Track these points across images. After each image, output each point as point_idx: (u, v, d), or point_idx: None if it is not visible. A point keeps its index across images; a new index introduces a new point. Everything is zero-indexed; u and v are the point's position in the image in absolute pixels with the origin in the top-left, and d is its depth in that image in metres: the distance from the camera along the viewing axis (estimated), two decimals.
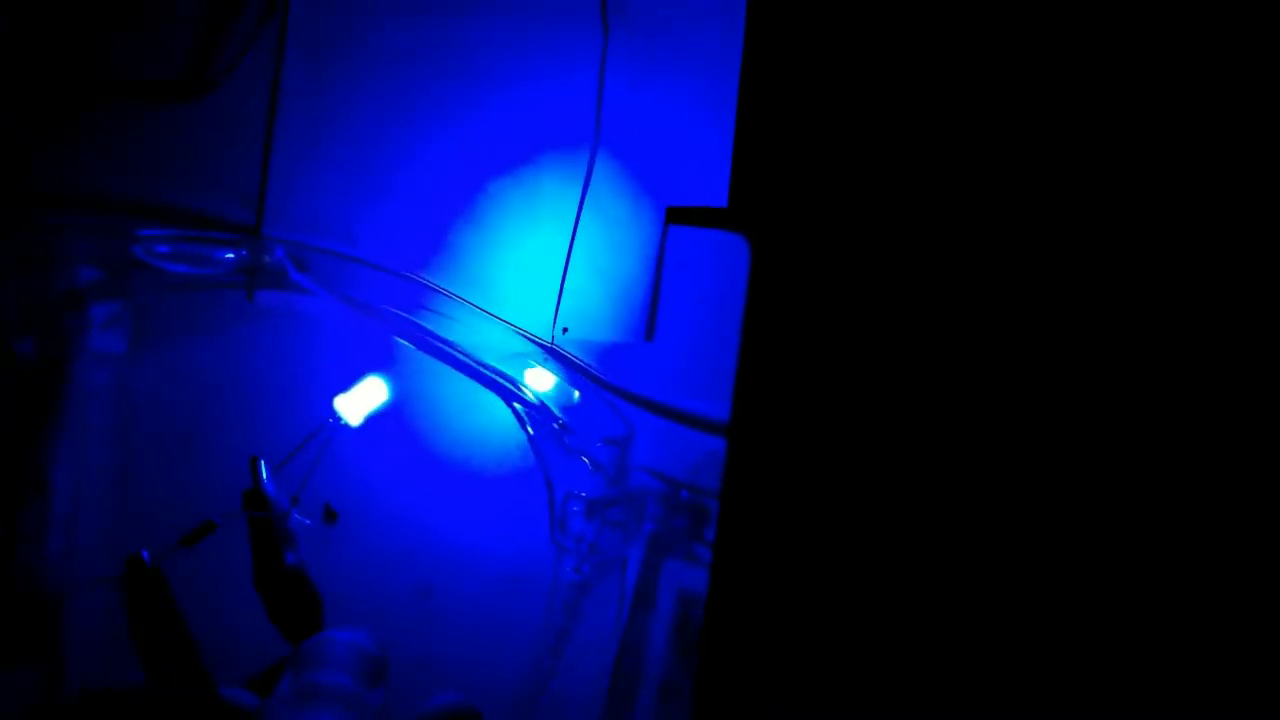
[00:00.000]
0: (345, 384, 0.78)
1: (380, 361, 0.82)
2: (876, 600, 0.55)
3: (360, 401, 0.79)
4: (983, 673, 0.53)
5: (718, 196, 0.70)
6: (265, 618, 0.59)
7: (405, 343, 0.84)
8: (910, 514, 0.55)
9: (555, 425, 0.85)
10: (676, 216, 0.65)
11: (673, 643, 0.79)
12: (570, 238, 0.85)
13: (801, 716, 0.56)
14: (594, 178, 0.84)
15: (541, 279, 0.86)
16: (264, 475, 0.61)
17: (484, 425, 0.87)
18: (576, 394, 0.86)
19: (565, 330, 0.87)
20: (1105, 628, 0.52)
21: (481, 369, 0.85)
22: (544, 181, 0.85)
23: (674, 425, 0.81)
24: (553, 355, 0.86)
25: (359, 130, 0.82)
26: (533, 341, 0.85)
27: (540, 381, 0.86)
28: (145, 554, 0.56)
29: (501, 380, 0.85)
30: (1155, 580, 0.51)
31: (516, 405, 0.85)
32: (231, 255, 0.79)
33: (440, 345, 0.85)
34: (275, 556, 0.59)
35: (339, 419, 0.77)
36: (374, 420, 0.80)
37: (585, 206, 0.85)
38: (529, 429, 0.86)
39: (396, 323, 0.83)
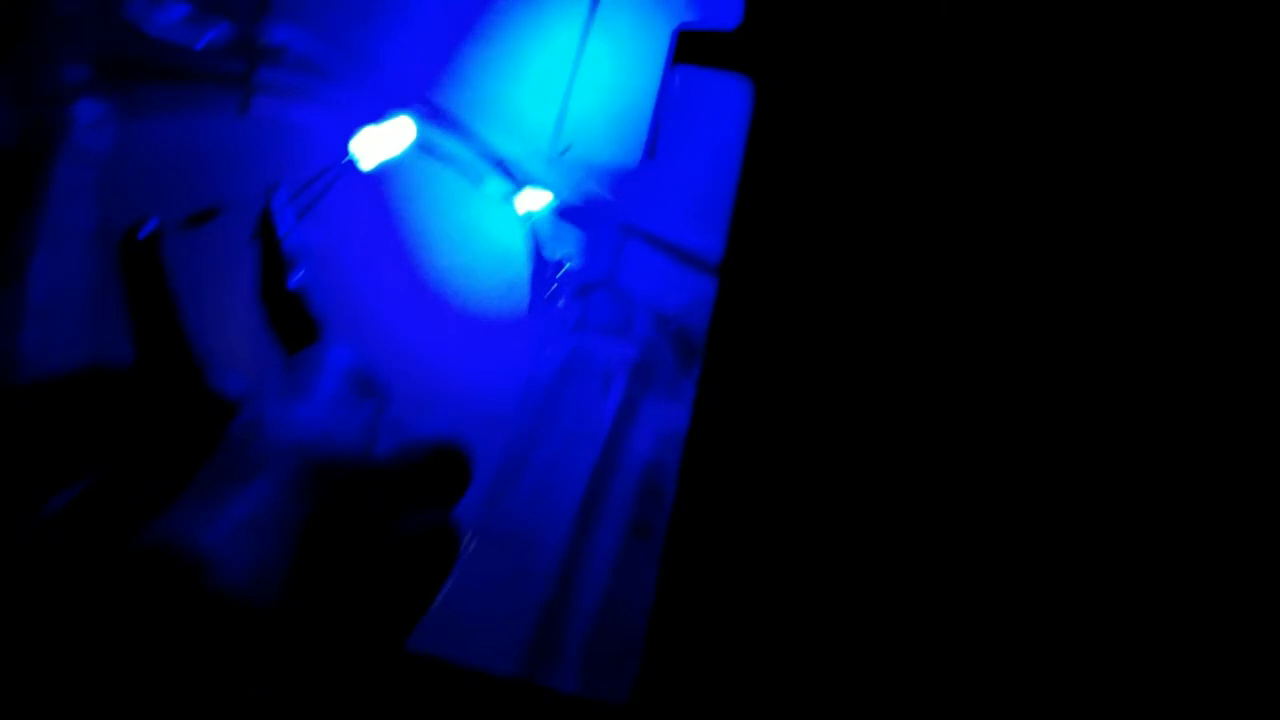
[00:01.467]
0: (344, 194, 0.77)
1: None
2: (861, 471, 0.56)
3: (380, 141, 0.74)
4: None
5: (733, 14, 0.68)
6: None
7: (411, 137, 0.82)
8: (902, 386, 0.55)
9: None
10: (687, 40, 0.62)
11: (648, 479, 0.80)
12: (576, 56, 0.82)
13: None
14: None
15: (547, 97, 0.84)
16: (279, 200, 0.60)
17: (475, 259, 0.86)
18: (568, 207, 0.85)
19: (567, 148, 0.85)
20: (1097, 628, 0.52)
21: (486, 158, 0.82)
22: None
23: (666, 257, 0.80)
24: (552, 168, 0.84)
25: None
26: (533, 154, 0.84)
27: (533, 202, 0.85)
28: (150, 223, 0.56)
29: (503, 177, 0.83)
30: (1151, 581, 0.51)
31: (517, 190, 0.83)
32: (227, 31, 0.76)
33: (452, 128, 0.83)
34: (279, 276, 0.60)
35: (352, 160, 0.73)
36: (363, 234, 0.79)
37: (594, 23, 0.82)
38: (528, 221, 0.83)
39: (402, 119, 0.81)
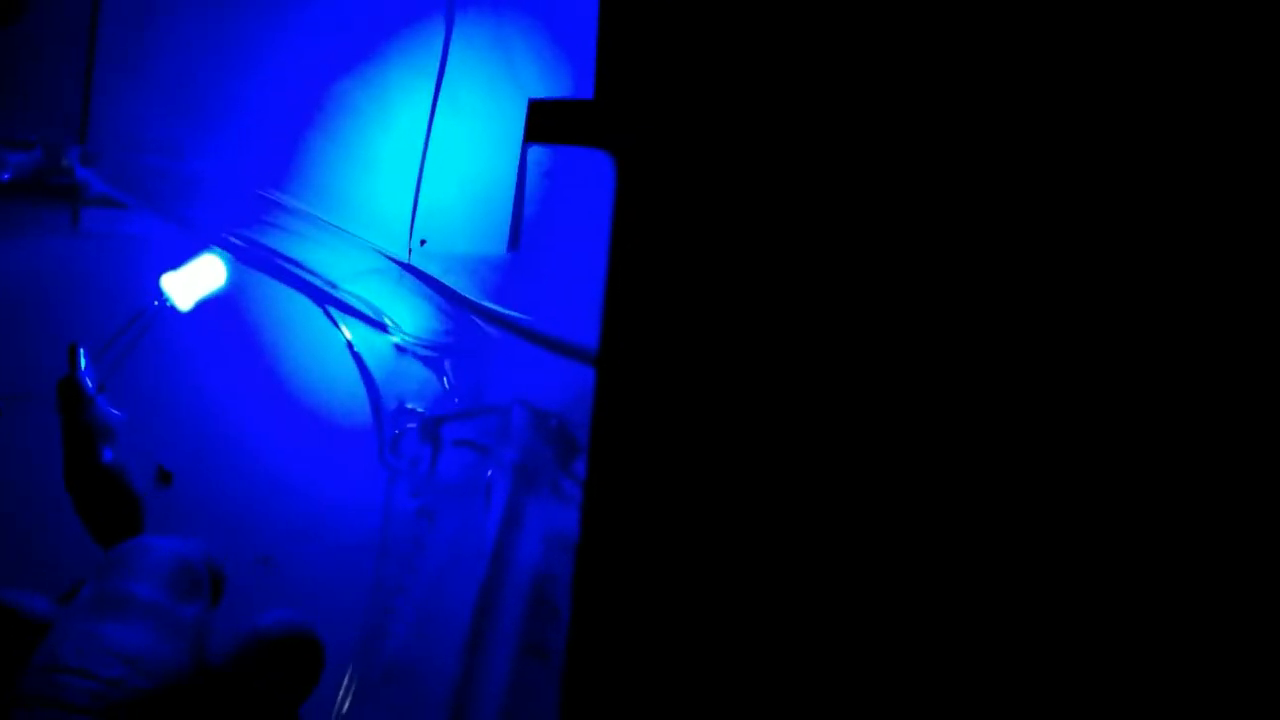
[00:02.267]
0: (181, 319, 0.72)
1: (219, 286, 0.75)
2: (765, 553, 0.51)
3: (191, 282, 0.71)
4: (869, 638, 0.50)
5: (585, 86, 0.64)
6: (77, 528, 0.54)
7: (244, 264, 0.77)
8: (798, 459, 0.51)
9: (396, 341, 0.79)
10: (540, 111, 0.58)
11: (539, 593, 0.74)
12: (424, 140, 0.78)
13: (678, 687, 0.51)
14: (448, 71, 0.78)
15: (398, 188, 0.79)
16: (82, 363, 0.56)
17: (331, 367, 0.81)
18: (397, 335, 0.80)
19: (424, 242, 0.80)
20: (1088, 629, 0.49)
21: (331, 289, 0.78)
22: (393, 78, 0.78)
23: (539, 350, 0.76)
24: (409, 271, 0.79)
25: (185, 47, 0.76)
26: (387, 258, 0.79)
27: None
28: None
29: (354, 300, 0.79)
30: (1148, 583, 0.48)
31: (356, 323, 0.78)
32: (24, 157, 0.72)
33: (285, 264, 0.78)
34: (89, 452, 0.53)
35: (166, 300, 0.70)
36: (217, 362, 0.75)
37: (440, 103, 0.78)
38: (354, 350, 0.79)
39: (233, 243, 0.76)
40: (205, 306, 0.74)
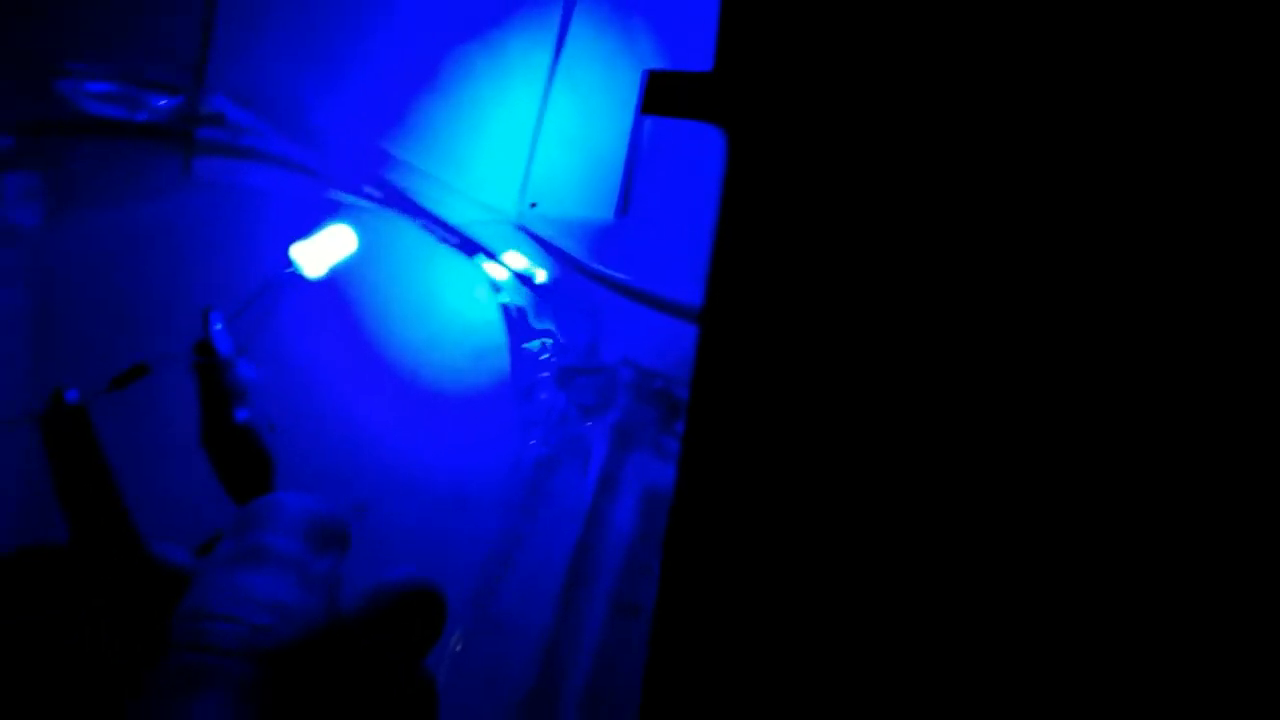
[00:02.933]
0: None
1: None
2: (859, 517, 0.52)
3: (322, 250, 0.72)
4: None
5: (703, 61, 0.65)
6: (207, 485, 0.54)
7: (365, 204, 0.79)
8: (888, 421, 0.52)
9: (517, 305, 0.81)
10: (657, 83, 0.60)
11: (635, 551, 0.76)
12: (540, 106, 0.80)
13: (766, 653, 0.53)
14: (568, 40, 0.79)
15: (510, 151, 0.81)
16: (216, 326, 0.57)
17: (440, 331, 0.83)
18: (542, 274, 0.82)
19: (534, 205, 0.82)
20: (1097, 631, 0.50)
21: (449, 233, 0.80)
22: (513, 45, 0.80)
23: (648, 311, 0.77)
24: (520, 231, 0.81)
25: (306, 2, 0.76)
26: (498, 217, 0.81)
27: (501, 269, 0.82)
28: (72, 393, 0.52)
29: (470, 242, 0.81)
30: (1152, 585, 0.49)
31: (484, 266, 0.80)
32: (166, 102, 0.73)
33: (407, 206, 0.80)
34: (225, 411, 0.55)
35: (295, 269, 0.70)
36: (320, 319, 0.76)
37: (558, 72, 0.80)
38: (498, 292, 0.81)
39: (351, 198, 0.79)
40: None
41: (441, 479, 0.82)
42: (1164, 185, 0.48)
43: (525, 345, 0.82)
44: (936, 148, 0.50)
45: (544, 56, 0.82)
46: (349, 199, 0.80)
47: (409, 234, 0.81)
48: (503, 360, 0.84)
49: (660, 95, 0.61)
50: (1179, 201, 0.48)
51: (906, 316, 0.50)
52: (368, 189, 0.79)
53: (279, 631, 0.37)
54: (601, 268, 0.79)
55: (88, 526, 0.46)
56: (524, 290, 0.82)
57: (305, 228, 0.79)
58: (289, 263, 0.70)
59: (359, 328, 0.82)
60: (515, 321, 0.82)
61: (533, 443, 0.82)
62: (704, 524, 0.55)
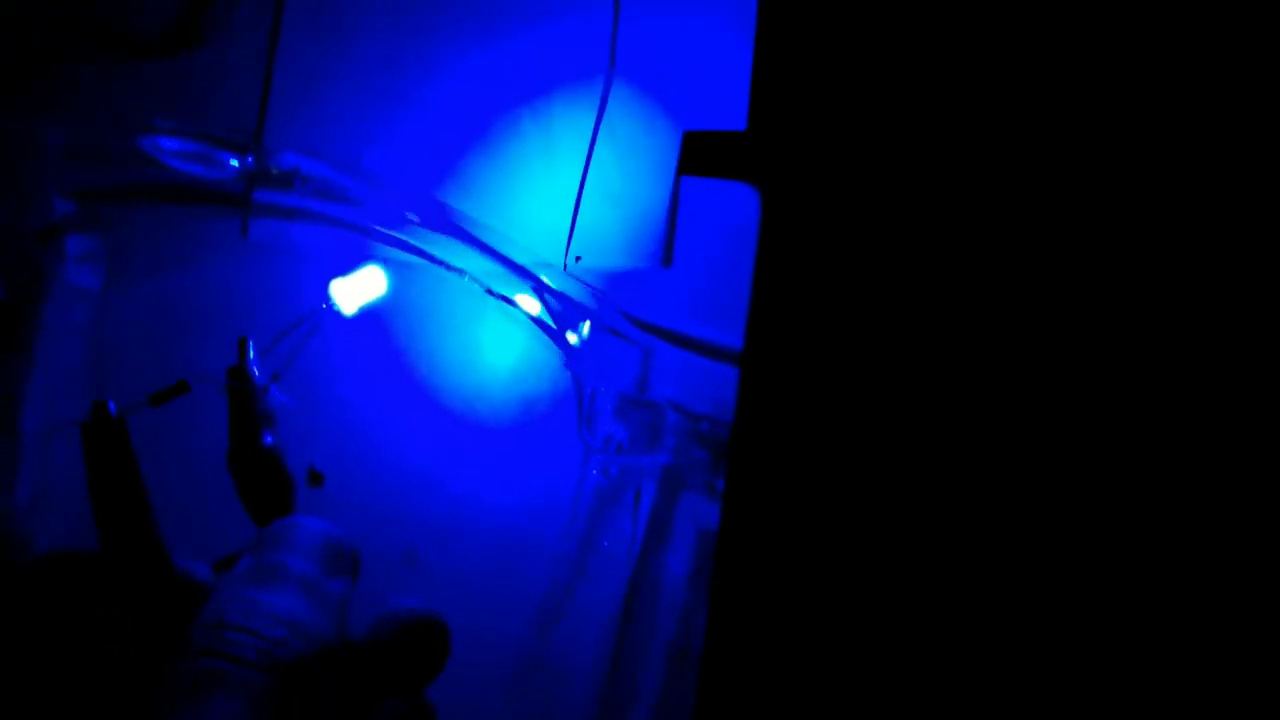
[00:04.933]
0: (339, 323, 0.78)
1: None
2: (904, 553, 0.55)
3: (357, 288, 0.75)
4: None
5: (737, 122, 0.69)
6: (233, 504, 0.57)
7: (406, 258, 0.83)
8: (931, 458, 0.55)
9: (575, 335, 0.84)
10: (693, 142, 0.64)
11: (689, 591, 0.78)
12: (584, 164, 0.85)
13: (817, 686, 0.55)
14: (610, 104, 0.84)
15: (556, 208, 0.85)
16: (251, 355, 0.60)
17: (486, 373, 0.85)
18: (586, 325, 0.86)
19: (579, 259, 0.86)
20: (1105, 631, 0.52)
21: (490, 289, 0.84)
22: (558, 109, 0.85)
23: (692, 356, 0.81)
24: (569, 277, 0.85)
25: (364, 64, 0.81)
26: (545, 267, 0.85)
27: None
28: (111, 404, 0.55)
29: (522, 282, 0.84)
30: (1156, 586, 0.51)
31: (546, 297, 0.83)
32: (237, 162, 0.77)
33: (451, 267, 0.84)
34: (253, 435, 0.57)
35: (332, 303, 0.74)
36: (367, 360, 0.78)
37: (601, 133, 0.84)
38: (553, 323, 0.84)
39: (400, 243, 0.82)
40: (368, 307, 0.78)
41: (493, 518, 0.83)
42: (1197, 193, 0.51)
43: (577, 375, 0.85)
44: (964, 203, 0.53)
45: (587, 119, 0.85)
46: (397, 254, 0.84)
47: (455, 281, 0.85)
48: (548, 395, 0.86)
49: (696, 155, 0.65)
50: (1216, 208, 0.50)
51: (940, 362, 0.53)
52: (415, 238, 0.83)
53: (293, 646, 0.38)
54: (645, 316, 0.83)
55: (117, 534, 0.49)
56: (572, 328, 0.86)
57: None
58: (327, 299, 0.73)
59: (409, 368, 0.85)
60: (570, 355, 0.85)
61: (595, 472, 0.84)
62: (749, 563, 0.58)
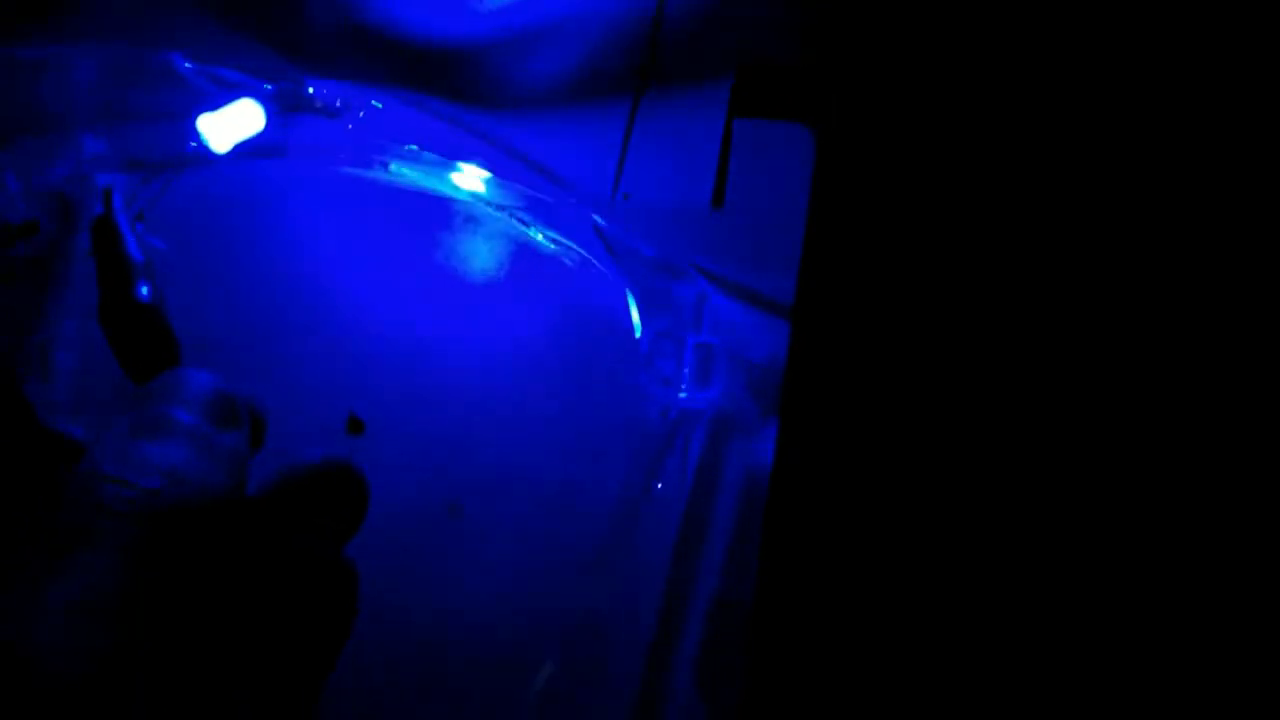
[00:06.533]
0: (398, 248, 0.77)
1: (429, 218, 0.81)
2: (952, 511, 0.55)
3: (230, 124, 0.71)
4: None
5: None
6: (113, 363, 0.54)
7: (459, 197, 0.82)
8: (976, 416, 0.54)
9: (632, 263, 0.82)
10: (745, 76, 0.63)
11: (738, 542, 0.78)
12: (634, 99, 0.83)
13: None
14: (661, 37, 0.82)
15: (604, 144, 0.84)
16: (116, 204, 0.56)
17: (530, 326, 0.85)
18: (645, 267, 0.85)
19: (627, 196, 0.85)
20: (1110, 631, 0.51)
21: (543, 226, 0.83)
22: (606, 45, 0.83)
23: (746, 306, 0.80)
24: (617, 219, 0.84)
25: None
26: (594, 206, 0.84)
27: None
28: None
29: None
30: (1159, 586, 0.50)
31: (596, 219, 0.82)
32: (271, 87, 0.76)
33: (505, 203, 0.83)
34: (125, 289, 0.53)
35: (203, 142, 0.71)
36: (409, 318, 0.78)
37: (650, 68, 0.82)
38: (613, 250, 0.83)
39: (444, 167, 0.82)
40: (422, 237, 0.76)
41: (543, 470, 0.83)
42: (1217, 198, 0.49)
43: (639, 313, 0.83)
44: (1027, 145, 0.52)
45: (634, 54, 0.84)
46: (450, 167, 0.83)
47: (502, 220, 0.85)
48: (606, 330, 0.85)
49: (750, 90, 0.63)
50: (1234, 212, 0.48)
51: (995, 313, 0.52)
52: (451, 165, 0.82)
53: (169, 495, 0.36)
54: (696, 258, 0.81)
55: None
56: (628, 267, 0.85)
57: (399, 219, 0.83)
58: (195, 136, 0.70)
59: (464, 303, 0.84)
60: (634, 293, 0.84)
61: (655, 414, 0.83)
62: (801, 515, 0.57)
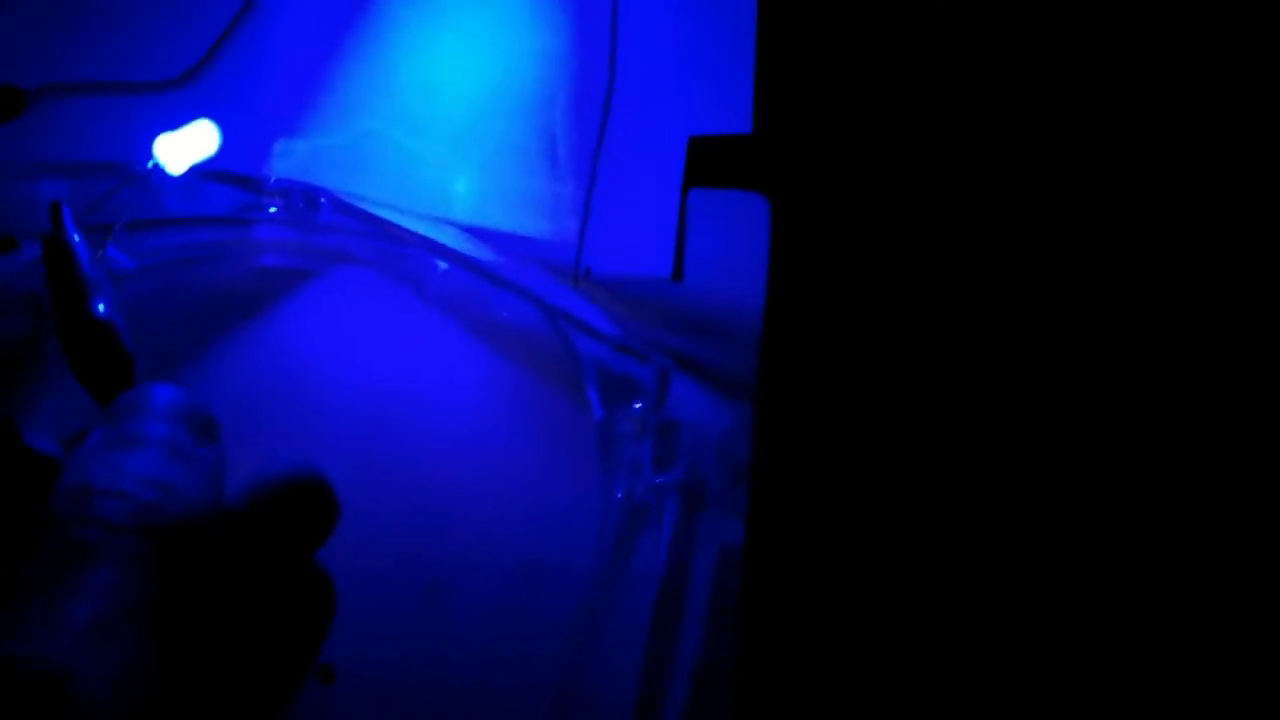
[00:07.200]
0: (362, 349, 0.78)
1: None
2: (929, 560, 0.55)
3: (185, 145, 0.71)
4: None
5: (744, 124, 0.69)
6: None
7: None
8: (951, 469, 0.54)
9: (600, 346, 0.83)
10: (698, 149, 0.64)
11: (715, 610, 0.77)
12: (590, 176, 0.84)
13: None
14: (612, 113, 0.83)
15: (563, 218, 0.85)
16: (66, 218, 0.55)
17: (496, 398, 0.85)
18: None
19: (589, 271, 0.86)
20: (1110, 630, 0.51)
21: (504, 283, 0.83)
22: (559, 123, 0.84)
23: (706, 383, 0.80)
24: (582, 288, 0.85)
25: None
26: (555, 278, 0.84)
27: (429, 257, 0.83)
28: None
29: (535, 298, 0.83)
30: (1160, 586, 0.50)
31: (556, 299, 0.82)
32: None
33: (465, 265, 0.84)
34: (80, 305, 0.53)
35: (158, 164, 0.70)
36: (380, 395, 0.78)
37: (604, 142, 0.83)
38: (573, 328, 0.83)
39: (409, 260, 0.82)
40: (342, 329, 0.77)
41: (516, 547, 0.82)
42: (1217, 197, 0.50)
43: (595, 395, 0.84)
44: (986, 210, 0.53)
45: (591, 134, 0.85)
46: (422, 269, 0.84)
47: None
48: (573, 409, 0.85)
49: (704, 161, 0.64)
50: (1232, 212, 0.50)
51: (961, 374, 0.53)
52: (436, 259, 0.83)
53: (169, 509, 0.36)
54: (656, 331, 0.82)
55: None
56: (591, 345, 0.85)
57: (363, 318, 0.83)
58: (151, 158, 0.69)
59: (422, 403, 0.84)
60: (591, 370, 0.84)
61: (619, 495, 0.83)
62: (776, 578, 0.57)
